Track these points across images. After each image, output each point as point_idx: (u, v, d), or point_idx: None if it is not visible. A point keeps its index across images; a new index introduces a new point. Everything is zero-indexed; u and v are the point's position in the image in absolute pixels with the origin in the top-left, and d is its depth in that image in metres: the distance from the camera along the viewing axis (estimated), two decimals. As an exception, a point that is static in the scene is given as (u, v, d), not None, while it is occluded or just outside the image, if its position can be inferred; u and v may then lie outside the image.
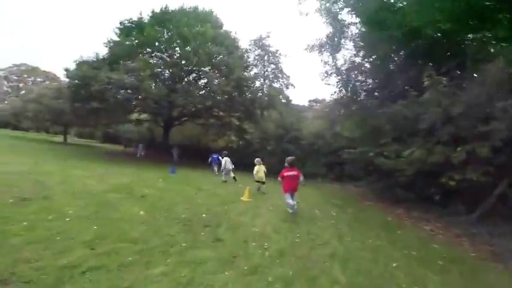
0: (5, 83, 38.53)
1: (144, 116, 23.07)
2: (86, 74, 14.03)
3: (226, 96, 17.83)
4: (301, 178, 6.36)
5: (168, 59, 17.98)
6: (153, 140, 25.70)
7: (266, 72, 25.07)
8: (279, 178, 6.41)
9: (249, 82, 19.53)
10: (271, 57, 25.14)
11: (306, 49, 12.94)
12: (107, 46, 17.66)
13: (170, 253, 3.53)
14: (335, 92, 13.05)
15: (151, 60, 17.41)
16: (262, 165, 9.16)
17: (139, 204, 5.61)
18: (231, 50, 19.10)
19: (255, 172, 8.98)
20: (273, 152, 17.57)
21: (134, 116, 23.03)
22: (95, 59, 16.22)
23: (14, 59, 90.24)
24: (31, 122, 28.81)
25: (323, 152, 17.39)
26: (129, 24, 17.88)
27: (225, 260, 3.53)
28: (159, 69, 17.70)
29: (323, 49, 12.75)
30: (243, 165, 13.31)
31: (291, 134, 18.27)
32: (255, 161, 9.21)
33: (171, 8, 18.75)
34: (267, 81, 25.22)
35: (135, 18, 17.94)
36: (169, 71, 18.17)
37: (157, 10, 18.48)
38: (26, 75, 37.39)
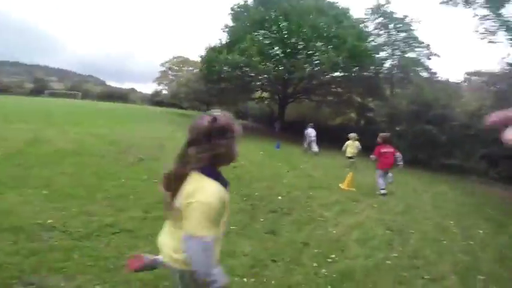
0: (170, 72, 51.01)
1: (265, 94, 24.43)
2: (210, 57, 16.00)
3: (340, 71, 15.77)
4: (399, 156, 5.93)
5: (274, 36, 17.71)
6: (272, 117, 26.87)
7: (396, 42, 20.06)
8: (371, 156, 6.13)
9: (370, 52, 16.32)
10: (398, 25, 19.76)
11: (444, 2, 9.22)
12: (224, 31, 19.28)
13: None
14: (508, 54, 8.74)
15: (260, 39, 17.60)
16: (356, 141, 8.90)
17: (229, 173, 5.63)
18: (340, 19, 16.48)
19: (344, 147, 8.94)
20: (403, 134, 14.02)
21: (257, 94, 24.82)
22: (219, 44, 18.04)
23: (174, 52, 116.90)
24: (184, 101, 37.21)
25: (483, 140, 12.19)
26: (238, 9, 18.65)
27: (249, 267, 2.46)
28: (269, 48, 17.69)
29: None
30: (363, 147, 11.23)
31: (435, 112, 13.60)
32: (349, 135, 8.99)
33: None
34: (397, 51, 20.29)
35: (242, 2, 18.59)
36: (278, 48, 17.91)
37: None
38: (181, 65, 48.10)
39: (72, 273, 2.07)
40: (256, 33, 17.28)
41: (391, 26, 19.88)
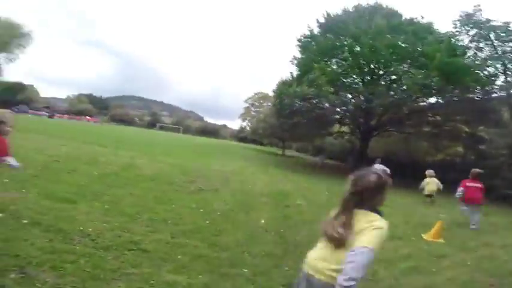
0: (252, 108, 54.63)
1: (344, 128, 22.89)
2: (280, 91, 16.39)
3: (435, 95, 13.28)
4: None
5: (348, 64, 16.65)
6: (353, 152, 24.74)
7: (505, 54, 15.58)
8: (458, 191, 5.89)
9: (471, 70, 13.30)
10: (501, 33, 15.32)
11: None
12: (292, 64, 19.37)
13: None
14: None
15: (332, 68, 16.90)
16: (434, 178, 8.42)
17: (277, 213, 5.25)
18: (423, 36, 14.23)
19: (422, 185, 8.50)
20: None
21: (336, 128, 23.49)
22: (290, 78, 18.32)
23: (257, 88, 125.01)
24: (264, 137, 38.77)
25: None
26: (304, 40, 18.56)
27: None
28: (343, 76, 16.74)
29: None
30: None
31: None
32: (427, 172, 8.54)
33: (334, 12, 18.00)
34: (510, 65, 15.71)
35: (307, 32, 18.42)
36: (356, 76, 16.74)
37: (322, 20, 18.14)
38: (262, 101, 50.75)
39: (65, 274, 2.21)
40: (327, 62, 16.80)
41: (491, 35, 15.82)
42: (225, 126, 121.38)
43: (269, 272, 2.87)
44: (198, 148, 22.18)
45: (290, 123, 18.59)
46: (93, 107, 78.97)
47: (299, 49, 19.35)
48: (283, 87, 17.36)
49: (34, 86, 67.69)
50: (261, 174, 10.93)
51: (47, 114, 45.55)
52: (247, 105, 57.21)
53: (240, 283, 2.58)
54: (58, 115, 49.89)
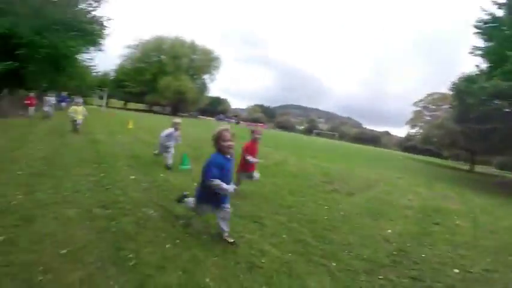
0: (426, 112, 44.44)
1: None
2: (460, 89, 12.56)
3: None
4: None
5: None
6: None
7: None
8: None
9: None
10: None
11: None
12: (475, 55, 14.45)
13: None
14: None
15: None
16: None
17: (416, 227, 4.56)
18: None
19: None
20: None
21: None
22: (477, 72, 13.81)
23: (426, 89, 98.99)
24: (441, 147, 30.77)
25: None
26: (486, 26, 13.58)
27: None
28: None
29: None
30: None
31: None
32: None
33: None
34: None
35: (485, 17, 13.33)
36: None
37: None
38: (439, 103, 39.94)
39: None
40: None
41: None
42: (387, 133, 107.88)
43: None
44: (348, 154, 21.68)
45: (477, 129, 14.10)
46: (264, 115, 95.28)
47: (481, 36, 14.88)
48: (464, 84, 13.60)
49: (227, 99, 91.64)
50: (419, 187, 9.29)
51: (235, 121, 61.18)
52: (417, 108, 48.21)
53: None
54: (241, 122, 65.10)
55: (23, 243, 2.49)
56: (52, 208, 3.26)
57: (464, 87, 12.64)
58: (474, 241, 4.34)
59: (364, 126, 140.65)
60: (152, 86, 49.30)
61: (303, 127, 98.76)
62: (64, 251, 2.45)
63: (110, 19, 19.46)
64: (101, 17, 19.25)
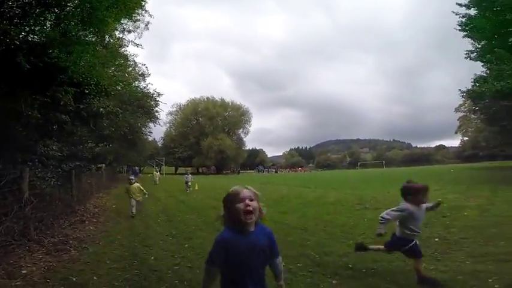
0: (473, 116, 40.29)
1: None
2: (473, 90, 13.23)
3: None
4: None
5: None
6: None
7: None
8: None
9: None
10: None
11: None
12: None
13: None
14: None
15: None
16: None
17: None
18: None
19: None
20: None
21: None
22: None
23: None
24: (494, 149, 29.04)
25: None
26: None
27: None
28: None
29: None
30: None
31: None
32: None
33: None
34: None
35: None
36: None
37: None
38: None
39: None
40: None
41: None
42: (440, 147, 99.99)
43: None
44: (388, 178, 22.18)
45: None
46: (302, 158, 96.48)
47: (469, 40, 15.48)
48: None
49: (263, 149, 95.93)
50: (450, 194, 10.08)
51: (274, 170, 63.44)
52: (462, 114, 44.59)
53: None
54: (280, 169, 67.30)
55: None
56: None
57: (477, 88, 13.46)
58: (469, 223, 5.86)
59: (413, 145, 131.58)
60: (196, 148, 55.04)
61: (347, 161, 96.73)
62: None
63: (160, 94, 21.49)
64: (154, 93, 21.18)
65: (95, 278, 3.89)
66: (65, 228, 6.62)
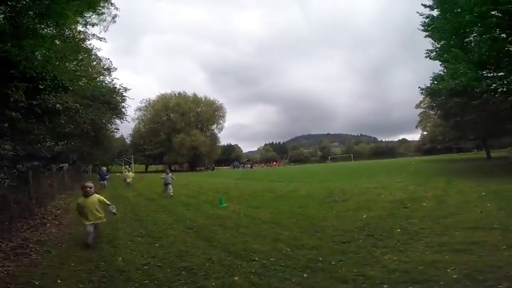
0: (431, 112, 43.62)
1: None
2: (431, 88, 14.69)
3: None
4: None
5: None
6: None
7: None
8: None
9: None
10: None
11: None
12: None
13: None
14: None
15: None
16: None
17: (385, 212, 6.72)
18: None
19: None
20: None
21: None
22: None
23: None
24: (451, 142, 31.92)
25: None
26: None
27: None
28: None
29: None
30: None
31: None
32: None
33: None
34: None
35: None
36: None
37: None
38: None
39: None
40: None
41: None
42: (402, 141, 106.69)
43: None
44: (356, 171, 23.37)
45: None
46: (276, 153, 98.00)
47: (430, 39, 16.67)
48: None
49: (238, 145, 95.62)
50: (411, 185, 10.66)
51: (249, 165, 63.63)
52: (422, 110, 48.13)
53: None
54: (255, 165, 67.73)
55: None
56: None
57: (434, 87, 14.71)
58: (428, 213, 6.39)
59: (379, 139, 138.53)
60: (167, 145, 52.72)
61: (316, 156, 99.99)
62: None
63: (127, 89, 21.47)
64: (120, 88, 21.07)
65: (59, 281, 3.76)
66: (23, 232, 6.26)
